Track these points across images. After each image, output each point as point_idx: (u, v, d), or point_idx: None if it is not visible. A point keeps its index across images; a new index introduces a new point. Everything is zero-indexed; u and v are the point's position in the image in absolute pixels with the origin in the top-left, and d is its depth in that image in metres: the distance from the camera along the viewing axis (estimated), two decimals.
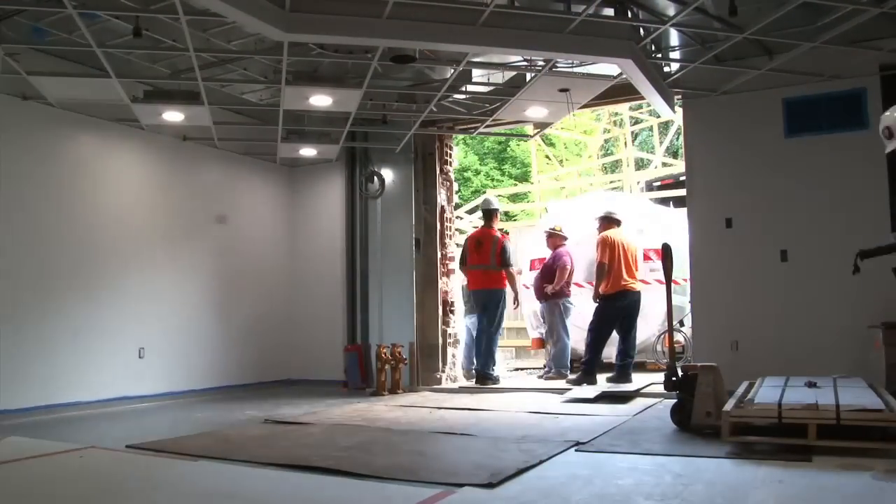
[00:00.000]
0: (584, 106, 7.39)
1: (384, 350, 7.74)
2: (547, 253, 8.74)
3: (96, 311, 6.89)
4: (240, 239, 8.55)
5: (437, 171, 8.58)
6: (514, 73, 6.73)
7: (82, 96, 6.46)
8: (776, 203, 6.58)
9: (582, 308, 8.39)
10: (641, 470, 3.73)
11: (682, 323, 8.39)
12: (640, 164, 17.01)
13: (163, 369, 7.46)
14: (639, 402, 6.35)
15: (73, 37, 5.70)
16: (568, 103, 6.81)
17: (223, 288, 8.25)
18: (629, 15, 5.55)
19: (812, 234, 6.41)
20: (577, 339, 8.37)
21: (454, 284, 8.74)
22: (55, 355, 6.51)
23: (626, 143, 17.95)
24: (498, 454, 4.17)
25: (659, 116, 15.81)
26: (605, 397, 6.59)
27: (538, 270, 8.85)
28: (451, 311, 8.63)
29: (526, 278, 9.52)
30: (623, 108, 16.67)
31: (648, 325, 9.05)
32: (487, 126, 8.03)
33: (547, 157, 19.92)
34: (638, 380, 7.44)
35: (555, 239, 8.57)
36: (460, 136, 12.58)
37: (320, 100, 6.67)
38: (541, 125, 8.18)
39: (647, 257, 8.94)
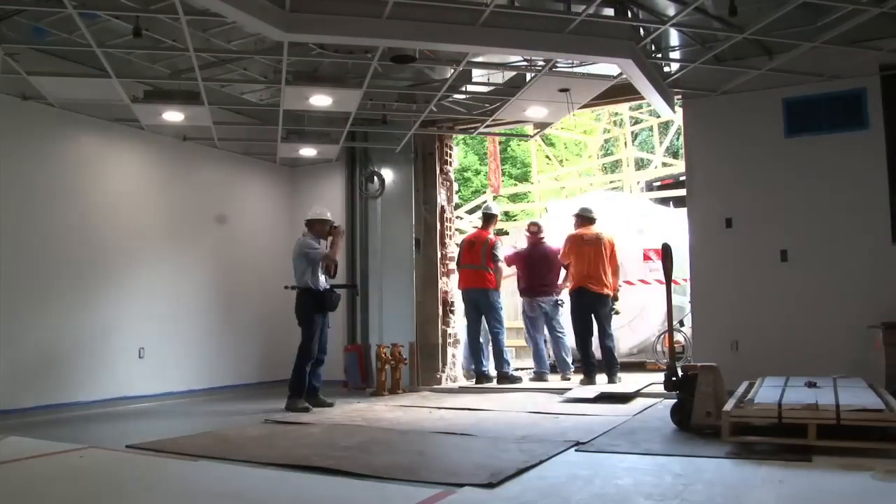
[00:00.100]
0: (584, 106, 7.38)
1: (384, 350, 7.74)
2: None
3: (96, 311, 6.89)
4: (240, 239, 8.56)
5: (437, 171, 8.58)
6: (514, 73, 6.73)
7: (82, 96, 6.46)
8: (776, 203, 6.58)
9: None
10: (641, 470, 3.73)
11: (682, 323, 8.39)
12: (640, 164, 17.01)
13: (163, 369, 7.46)
14: (639, 402, 6.34)
15: (73, 37, 5.70)
16: (568, 103, 6.81)
17: (223, 288, 8.26)
18: (629, 15, 5.55)
19: (812, 234, 6.41)
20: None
21: (454, 284, 8.74)
22: (55, 355, 6.51)
23: (626, 143, 17.93)
24: (498, 454, 4.17)
25: (659, 116, 15.79)
26: (604, 397, 6.59)
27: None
28: (451, 311, 8.63)
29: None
30: (623, 108, 16.65)
31: (648, 326, 9.06)
32: (487, 126, 8.03)
33: (547, 157, 19.91)
34: (638, 380, 7.44)
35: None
36: (460, 136, 12.58)
37: (320, 100, 6.67)
38: (541, 125, 8.18)
39: (647, 257, 8.95)
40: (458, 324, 8.75)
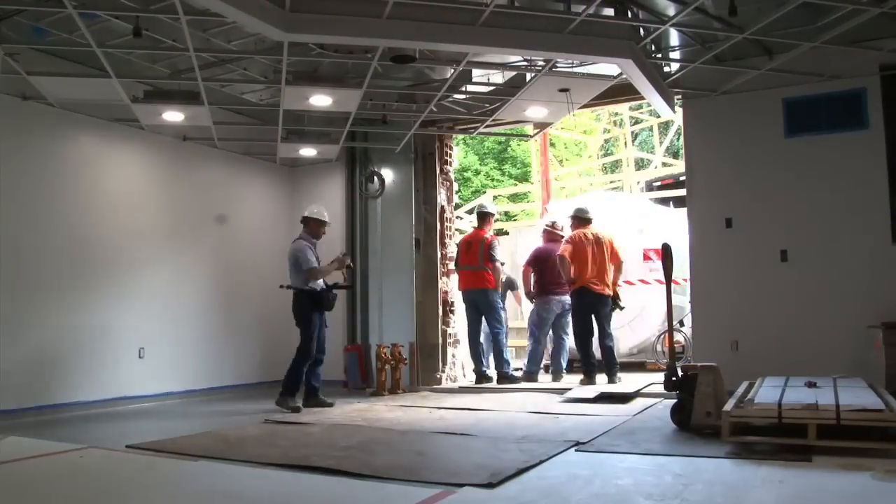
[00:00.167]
0: (584, 106, 7.39)
1: (384, 350, 7.74)
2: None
3: (96, 311, 6.89)
4: (240, 239, 8.55)
5: (437, 171, 8.58)
6: (514, 73, 6.73)
7: (82, 96, 6.46)
8: (776, 203, 6.58)
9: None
10: (641, 470, 3.73)
11: (682, 323, 8.39)
12: (640, 164, 17.02)
13: (163, 369, 7.46)
14: (639, 402, 6.34)
15: (73, 37, 5.70)
16: (568, 103, 6.81)
17: (223, 288, 8.25)
18: (629, 15, 5.55)
19: (812, 234, 6.41)
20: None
21: (454, 284, 8.74)
22: (55, 355, 6.51)
23: (626, 143, 17.95)
24: (498, 454, 4.17)
25: (659, 116, 15.81)
26: (604, 397, 6.59)
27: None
28: (451, 311, 8.63)
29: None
30: (623, 108, 16.67)
31: (648, 326, 9.06)
32: (487, 126, 8.03)
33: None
34: (638, 380, 7.43)
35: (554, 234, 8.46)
36: (460, 136, 12.58)
37: (320, 100, 6.67)
38: (541, 125, 8.18)
39: (647, 257, 8.94)
40: (459, 324, 8.75)
